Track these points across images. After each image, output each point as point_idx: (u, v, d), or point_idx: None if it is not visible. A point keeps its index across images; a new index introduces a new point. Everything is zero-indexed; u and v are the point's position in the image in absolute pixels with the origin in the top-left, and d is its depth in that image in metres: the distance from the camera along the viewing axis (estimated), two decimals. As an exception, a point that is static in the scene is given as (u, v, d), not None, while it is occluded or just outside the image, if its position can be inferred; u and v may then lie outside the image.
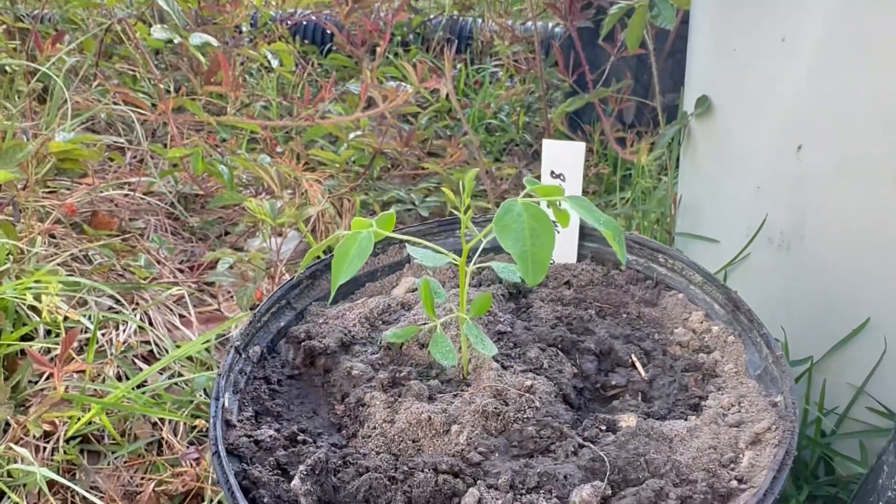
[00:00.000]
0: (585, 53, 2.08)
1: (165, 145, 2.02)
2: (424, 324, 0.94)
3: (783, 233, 1.30)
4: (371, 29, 2.47)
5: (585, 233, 1.11)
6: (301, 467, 0.77)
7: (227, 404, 0.87)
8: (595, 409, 0.91)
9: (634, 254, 1.09)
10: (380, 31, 2.45)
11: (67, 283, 1.47)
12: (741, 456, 0.80)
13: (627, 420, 0.84)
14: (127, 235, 1.81)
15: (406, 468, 0.80)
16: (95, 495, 1.32)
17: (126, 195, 1.95)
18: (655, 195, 1.75)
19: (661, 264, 1.06)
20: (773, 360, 0.87)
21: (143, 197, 1.97)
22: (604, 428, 0.84)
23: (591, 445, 0.80)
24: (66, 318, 1.36)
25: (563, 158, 1.05)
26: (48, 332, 1.48)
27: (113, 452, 1.37)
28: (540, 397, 0.87)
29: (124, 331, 1.56)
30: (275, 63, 2.36)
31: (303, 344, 0.97)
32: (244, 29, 2.73)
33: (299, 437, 0.85)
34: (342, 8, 2.57)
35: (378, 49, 2.44)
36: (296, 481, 0.76)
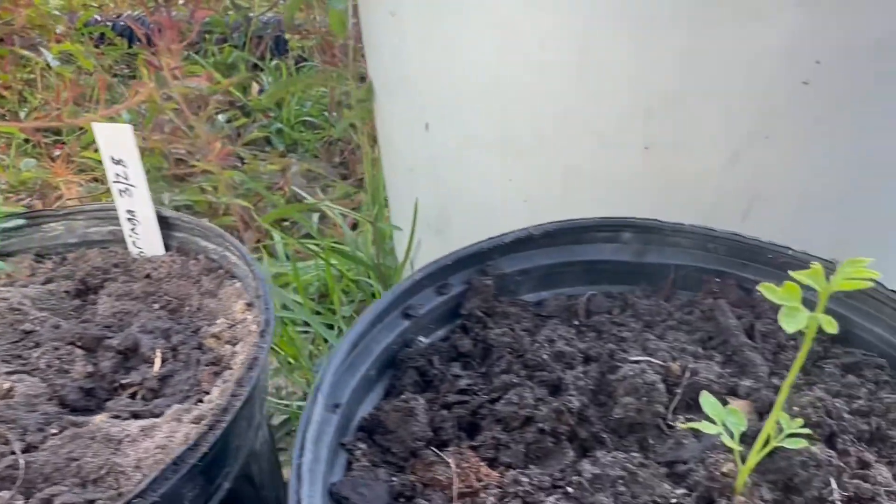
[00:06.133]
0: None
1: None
2: None
3: (436, 217, 1.25)
4: (168, 26, 2.40)
5: (170, 223, 1.04)
6: None
7: None
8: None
9: (213, 242, 1.02)
10: (180, 28, 2.38)
11: None
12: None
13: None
14: None
15: None
16: None
17: None
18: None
19: (232, 251, 0.99)
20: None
21: None
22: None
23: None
24: None
25: (118, 142, 0.98)
26: None
27: None
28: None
29: None
30: (54, 63, 2.30)
31: None
32: (60, 29, 2.65)
33: None
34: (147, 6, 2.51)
35: (172, 48, 2.37)
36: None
